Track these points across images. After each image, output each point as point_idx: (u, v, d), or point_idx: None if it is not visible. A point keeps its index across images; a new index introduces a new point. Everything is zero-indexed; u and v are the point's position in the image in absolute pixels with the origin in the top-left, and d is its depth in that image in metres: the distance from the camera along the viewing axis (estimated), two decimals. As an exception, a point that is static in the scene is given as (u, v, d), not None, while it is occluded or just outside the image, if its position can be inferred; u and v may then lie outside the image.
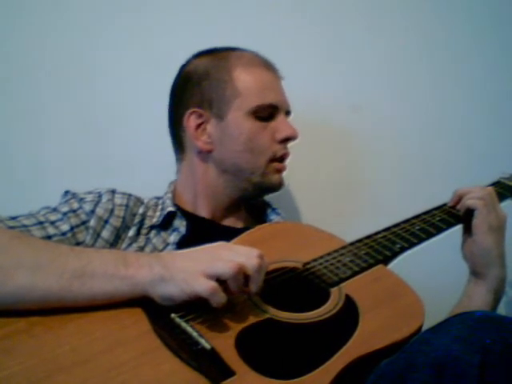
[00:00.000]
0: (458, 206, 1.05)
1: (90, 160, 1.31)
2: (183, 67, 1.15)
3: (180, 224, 1.08)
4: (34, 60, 1.32)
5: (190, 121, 1.10)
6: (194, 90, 1.11)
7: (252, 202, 1.19)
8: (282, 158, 1.12)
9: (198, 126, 1.10)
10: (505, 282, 1.00)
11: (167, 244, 1.05)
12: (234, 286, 0.79)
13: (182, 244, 1.03)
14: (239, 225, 1.13)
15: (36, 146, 1.31)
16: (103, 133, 1.33)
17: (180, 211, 1.10)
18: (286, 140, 1.11)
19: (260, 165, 1.09)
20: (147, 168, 1.32)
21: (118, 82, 1.34)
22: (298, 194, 1.39)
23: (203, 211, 1.12)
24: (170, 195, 1.13)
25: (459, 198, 1.05)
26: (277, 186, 1.13)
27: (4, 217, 0.96)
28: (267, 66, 1.13)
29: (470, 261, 1.01)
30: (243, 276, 0.79)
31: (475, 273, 1.01)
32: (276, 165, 1.11)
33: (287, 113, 1.15)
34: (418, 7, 1.46)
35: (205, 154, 1.11)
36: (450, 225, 1.03)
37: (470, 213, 1.01)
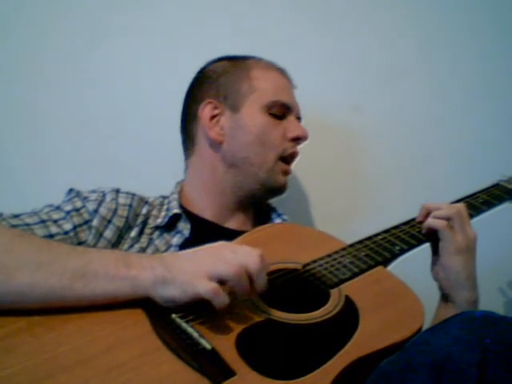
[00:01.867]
0: (423, 224, 1.00)
1: (93, 159, 1.31)
2: (202, 69, 1.18)
3: (184, 227, 1.07)
4: (36, 59, 1.32)
5: (205, 110, 1.12)
6: (211, 85, 1.14)
7: (258, 204, 1.18)
8: (290, 158, 1.14)
9: (213, 117, 1.11)
10: (477, 304, 0.95)
11: (170, 246, 1.05)
12: (239, 288, 0.79)
13: (184, 247, 1.02)
14: (244, 228, 1.11)
15: (38, 145, 1.31)
16: (106, 131, 1.33)
17: (185, 213, 1.09)
18: (296, 139, 1.13)
19: (269, 159, 1.10)
20: (151, 168, 1.33)
21: (122, 81, 1.34)
22: (299, 194, 1.39)
23: (209, 212, 1.12)
24: (176, 196, 1.13)
25: (427, 213, 1.01)
26: (281, 187, 1.14)
27: (7, 215, 0.96)
28: (283, 72, 1.17)
29: (438, 283, 0.98)
30: (247, 277, 0.79)
31: (444, 296, 0.97)
32: (283, 166, 1.12)
33: (298, 119, 1.17)
34: (419, 7, 1.47)
35: (216, 146, 1.12)
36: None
37: (433, 233, 0.98)
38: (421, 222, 1.01)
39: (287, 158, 1.13)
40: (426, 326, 0.79)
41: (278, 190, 1.14)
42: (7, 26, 1.32)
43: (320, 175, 1.41)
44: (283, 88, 1.15)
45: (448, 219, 0.96)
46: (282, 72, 1.17)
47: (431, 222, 0.98)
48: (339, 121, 1.42)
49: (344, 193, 1.42)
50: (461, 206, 1.00)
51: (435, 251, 0.99)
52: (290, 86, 1.17)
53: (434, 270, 0.99)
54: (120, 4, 1.36)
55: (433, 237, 0.98)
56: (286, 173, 1.14)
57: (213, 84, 1.13)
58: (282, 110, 1.12)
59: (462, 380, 0.64)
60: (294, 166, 1.16)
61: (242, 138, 1.10)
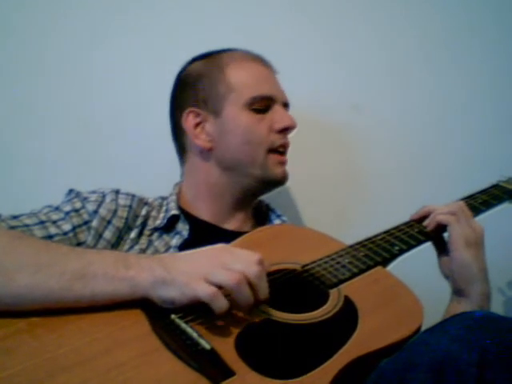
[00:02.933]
0: (427, 222, 1.02)
1: (94, 159, 1.31)
2: (179, 74, 1.17)
3: (183, 228, 1.07)
4: (36, 59, 1.32)
5: (188, 120, 1.11)
6: (188, 91, 1.12)
7: (256, 201, 1.18)
8: (282, 148, 1.11)
9: (197, 125, 1.10)
10: (490, 297, 0.96)
11: (169, 247, 1.05)
12: (242, 298, 0.78)
13: (183, 248, 1.02)
14: (242, 229, 1.12)
15: (39, 145, 1.30)
16: (106, 132, 1.33)
17: (184, 214, 1.09)
18: (284, 130, 1.11)
19: (258, 156, 1.09)
20: (150, 168, 1.32)
21: (122, 81, 1.34)
22: (297, 193, 1.39)
23: (207, 213, 1.12)
24: (174, 197, 1.13)
25: (425, 214, 1.03)
26: (280, 179, 1.12)
27: (6, 216, 0.96)
28: (260, 60, 1.13)
29: (450, 279, 0.98)
30: (248, 287, 0.78)
31: (457, 291, 0.97)
32: (276, 157, 1.10)
33: (285, 105, 1.14)
34: (419, 7, 1.47)
35: (206, 153, 1.11)
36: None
37: (440, 229, 1.00)
38: (415, 221, 1.03)
39: (278, 149, 1.11)
40: (425, 326, 0.79)
41: (277, 181, 1.13)
42: (7, 26, 1.32)
43: (319, 175, 1.41)
44: (262, 79, 1.11)
45: (453, 215, 0.98)
46: (259, 60, 1.13)
47: (440, 217, 0.99)
48: (339, 121, 1.42)
49: (343, 193, 1.42)
50: (460, 202, 1.02)
51: (441, 249, 1.01)
52: (269, 74, 1.13)
53: (443, 267, 1.00)
54: (120, 4, 1.36)
55: (437, 234, 1.00)
56: (282, 163, 1.11)
57: (190, 90, 1.12)
58: (264, 103, 1.09)
59: (461, 380, 0.64)
60: (293, 166, 1.15)
61: (230, 141, 1.09)
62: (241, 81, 1.09)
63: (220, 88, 1.09)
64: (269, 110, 1.10)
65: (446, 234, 1.00)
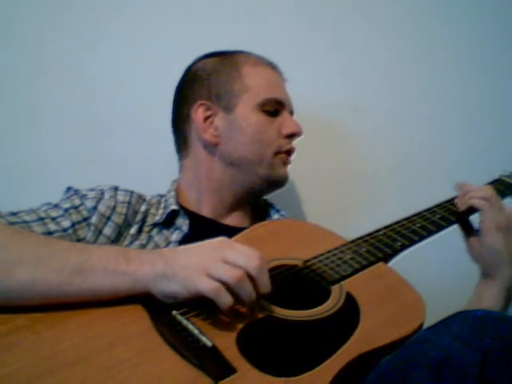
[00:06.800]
0: (459, 203, 1.04)
1: (93, 157, 1.31)
2: (190, 67, 1.17)
3: (183, 223, 1.07)
4: (37, 58, 1.32)
5: (198, 113, 1.11)
6: (202, 85, 1.12)
7: (256, 200, 1.18)
8: (287, 152, 1.14)
9: (206, 118, 1.11)
10: None
11: (169, 242, 1.04)
12: (244, 294, 0.77)
13: (183, 243, 1.01)
14: (242, 224, 1.12)
15: (39, 143, 1.30)
16: (105, 130, 1.33)
17: (183, 210, 1.09)
18: (291, 135, 1.13)
19: (267, 156, 1.10)
20: (149, 166, 1.32)
21: (121, 81, 1.34)
22: (299, 192, 1.39)
23: (206, 209, 1.12)
24: (173, 193, 1.13)
25: (464, 194, 1.04)
26: (283, 179, 1.14)
27: (5, 212, 0.96)
28: (273, 66, 1.16)
29: (479, 262, 0.99)
30: (249, 282, 0.77)
31: (486, 274, 0.98)
32: (282, 156, 1.12)
33: (291, 113, 1.17)
34: (420, 7, 1.47)
35: (211, 148, 1.11)
36: (450, 223, 1.02)
37: (470, 212, 1.01)
38: (453, 204, 1.05)
39: (284, 152, 1.13)
40: (427, 323, 0.78)
41: (280, 182, 1.14)
42: (8, 26, 1.31)
43: (319, 173, 1.41)
44: (275, 84, 1.14)
45: (487, 200, 0.99)
46: (272, 66, 1.16)
47: (474, 201, 1.00)
48: (339, 120, 1.41)
49: (345, 191, 1.42)
50: (491, 187, 1.04)
51: (468, 232, 1.02)
52: (281, 81, 1.17)
53: (471, 250, 1.01)
54: (120, 4, 1.35)
55: (465, 217, 1.01)
56: (286, 163, 1.14)
57: (203, 84, 1.12)
58: (275, 107, 1.12)
59: (462, 379, 0.64)
60: (293, 166, 1.15)
61: (239, 139, 1.10)
62: (256, 82, 1.11)
63: (235, 85, 1.10)
64: (278, 115, 1.13)
65: (472, 217, 1.02)
